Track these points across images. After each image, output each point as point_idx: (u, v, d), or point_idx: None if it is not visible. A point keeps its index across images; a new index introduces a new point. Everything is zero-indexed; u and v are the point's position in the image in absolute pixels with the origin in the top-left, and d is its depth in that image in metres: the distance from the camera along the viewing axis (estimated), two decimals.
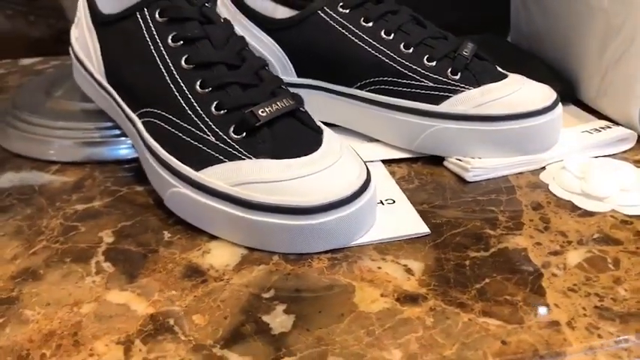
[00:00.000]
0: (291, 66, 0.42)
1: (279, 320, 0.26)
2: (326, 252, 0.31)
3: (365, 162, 0.33)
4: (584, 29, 0.46)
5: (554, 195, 0.36)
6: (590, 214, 0.34)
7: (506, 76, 0.40)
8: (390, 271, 0.29)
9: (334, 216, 0.30)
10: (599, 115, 0.45)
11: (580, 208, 0.34)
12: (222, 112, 0.32)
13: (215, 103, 0.32)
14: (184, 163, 0.32)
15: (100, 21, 0.37)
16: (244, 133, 0.31)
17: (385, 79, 0.39)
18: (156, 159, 0.33)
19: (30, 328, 0.26)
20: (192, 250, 0.31)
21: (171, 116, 0.33)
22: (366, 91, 0.40)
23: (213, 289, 0.28)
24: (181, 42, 0.33)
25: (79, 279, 0.29)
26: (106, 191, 0.38)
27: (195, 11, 0.34)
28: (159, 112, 0.33)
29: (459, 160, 0.38)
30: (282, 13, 0.42)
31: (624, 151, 0.41)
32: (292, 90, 0.36)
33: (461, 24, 0.57)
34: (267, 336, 0.25)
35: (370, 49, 0.39)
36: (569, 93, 0.48)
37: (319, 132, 0.33)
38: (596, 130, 0.41)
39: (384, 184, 0.37)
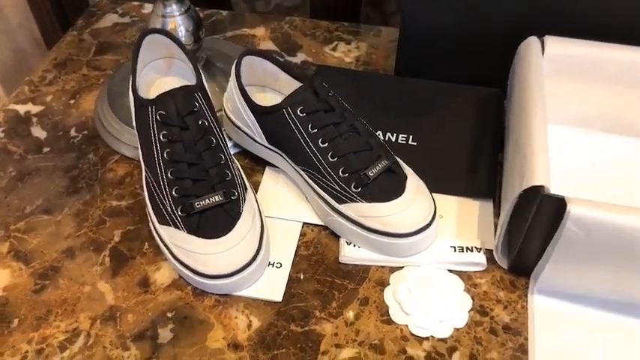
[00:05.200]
0: (263, 137, 0.58)
1: (164, 334, 0.50)
2: (219, 294, 0.52)
3: (261, 242, 0.52)
4: (510, 151, 0.55)
5: (382, 297, 0.52)
6: (390, 322, 0.50)
7: (402, 193, 0.53)
8: (239, 322, 0.50)
9: (223, 281, 0.50)
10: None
11: (389, 315, 0.51)
12: (177, 195, 0.52)
13: (175, 188, 0.52)
14: (154, 214, 0.53)
15: (137, 104, 0.55)
16: (185, 214, 0.51)
17: (314, 172, 0.55)
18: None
19: (57, 293, 0.53)
20: (152, 264, 0.55)
21: (153, 181, 0.53)
22: (304, 172, 0.56)
23: (147, 300, 0.52)
24: (166, 140, 0.52)
25: (91, 265, 0.55)
26: (133, 193, 0.61)
27: (178, 120, 0.52)
28: (148, 173, 0.54)
29: (346, 243, 0.55)
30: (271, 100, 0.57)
31: (477, 271, 0.54)
32: (263, 149, 0.54)
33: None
34: (154, 343, 0.49)
35: (309, 150, 0.54)
36: (490, 192, 0.59)
37: (236, 217, 0.52)
38: (462, 249, 0.54)
39: (285, 246, 0.55)
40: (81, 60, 0.77)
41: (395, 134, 0.64)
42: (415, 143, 0.64)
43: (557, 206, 0.45)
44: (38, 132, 0.67)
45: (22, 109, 0.70)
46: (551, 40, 0.59)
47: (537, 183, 0.45)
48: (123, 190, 0.61)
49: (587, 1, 0.58)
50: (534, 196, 0.46)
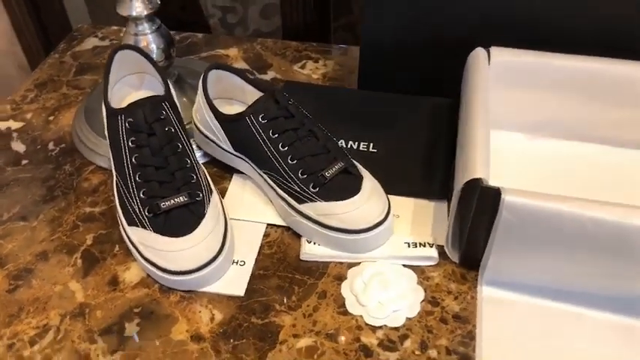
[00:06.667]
0: (229, 144, 0.62)
1: (131, 328, 0.52)
2: (184, 290, 0.55)
3: (225, 240, 0.55)
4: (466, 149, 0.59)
5: (339, 290, 0.55)
6: (346, 313, 0.53)
7: (357, 192, 0.56)
8: (203, 316, 0.53)
9: (188, 277, 0.53)
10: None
11: (345, 307, 0.53)
12: (144, 197, 0.55)
13: (143, 190, 0.55)
14: (124, 216, 0.56)
15: (108, 113, 0.59)
16: (152, 215, 0.54)
17: (275, 175, 0.58)
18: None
19: (30, 292, 0.55)
20: (122, 264, 0.57)
21: (122, 185, 0.56)
22: (267, 175, 0.60)
23: (115, 297, 0.55)
24: (135, 145, 0.56)
25: (63, 267, 0.57)
26: (107, 200, 0.64)
27: (146, 127, 0.56)
28: (119, 178, 0.57)
29: (307, 241, 0.58)
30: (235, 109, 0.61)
31: (430, 265, 0.57)
32: (230, 155, 0.58)
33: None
34: (120, 336, 0.52)
35: (270, 154, 0.58)
36: (444, 193, 0.62)
37: (200, 217, 0.55)
38: (415, 244, 0.57)
39: (250, 246, 0.58)
40: (61, 80, 0.81)
41: (357, 142, 0.68)
42: (375, 150, 0.67)
43: (495, 196, 0.48)
44: (18, 146, 0.71)
45: (3, 125, 0.74)
46: (496, 51, 0.63)
47: (477, 176, 0.49)
48: (97, 198, 0.64)
49: (535, 12, 0.63)
50: (474, 188, 0.49)
